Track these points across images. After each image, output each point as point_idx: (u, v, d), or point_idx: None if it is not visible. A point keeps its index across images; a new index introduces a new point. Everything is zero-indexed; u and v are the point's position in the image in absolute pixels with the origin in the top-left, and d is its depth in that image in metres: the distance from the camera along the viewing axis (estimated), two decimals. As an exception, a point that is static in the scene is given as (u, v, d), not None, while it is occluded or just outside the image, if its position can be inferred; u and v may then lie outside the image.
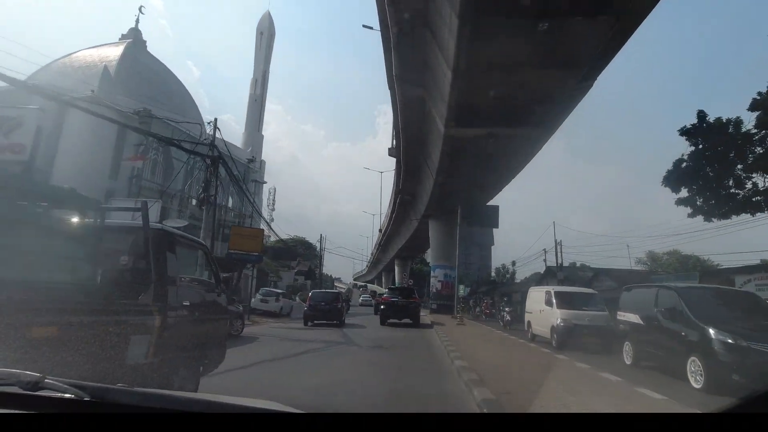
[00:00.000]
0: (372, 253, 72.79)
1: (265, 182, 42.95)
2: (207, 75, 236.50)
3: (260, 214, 28.04)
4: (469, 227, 30.32)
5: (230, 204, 36.87)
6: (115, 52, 34.42)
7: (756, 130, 12.33)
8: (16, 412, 1.09)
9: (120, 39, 37.32)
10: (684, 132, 12.96)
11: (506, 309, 19.84)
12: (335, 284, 70.94)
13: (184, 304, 4.30)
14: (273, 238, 45.81)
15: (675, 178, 13.42)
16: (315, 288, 35.65)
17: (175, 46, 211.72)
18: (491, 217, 30.34)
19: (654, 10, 11.92)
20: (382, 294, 32.68)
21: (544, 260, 35.03)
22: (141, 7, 42.38)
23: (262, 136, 48.32)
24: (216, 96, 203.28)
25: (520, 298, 30.84)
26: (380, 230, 56.13)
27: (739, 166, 12.68)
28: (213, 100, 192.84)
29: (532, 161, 24.39)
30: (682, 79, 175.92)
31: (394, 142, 27.83)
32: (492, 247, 76.30)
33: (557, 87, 14.39)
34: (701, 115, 12.79)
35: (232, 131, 46.16)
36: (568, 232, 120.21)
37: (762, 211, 13.01)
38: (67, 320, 2.90)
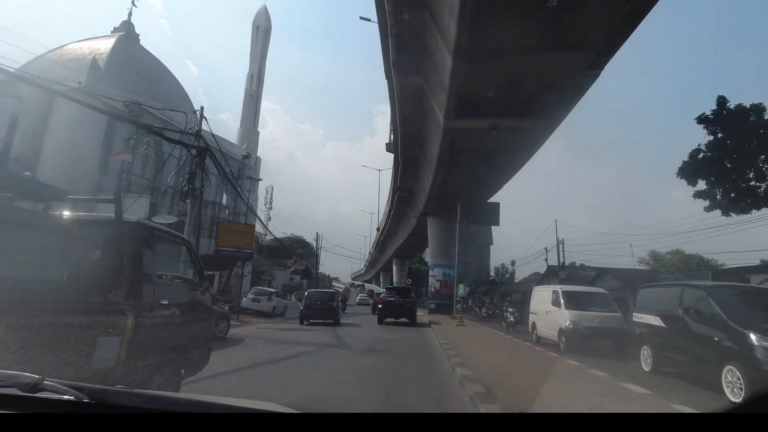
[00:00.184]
0: (370, 253, 72.10)
1: (261, 179, 41.93)
2: (206, 74, 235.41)
3: (252, 211, 27.04)
4: (469, 225, 29.41)
5: (224, 201, 36.01)
6: (106, 45, 33.71)
7: None
8: (15, 413, 1.09)
9: (112, 32, 36.53)
10: (702, 120, 12.02)
11: (509, 309, 18.92)
12: (333, 284, 70.33)
13: (162, 303, 4.02)
14: (270, 237, 45.17)
15: (691, 169, 12.48)
16: (311, 287, 35.87)
17: (174, 45, 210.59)
18: (492, 215, 29.37)
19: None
20: (380, 294, 32.95)
21: (546, 259, 34.29)
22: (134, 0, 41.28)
23: (258, 133, 47.35)
24: (215, 95, 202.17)
25: (520, 298, 30.17)
26: (378, 229, 55.40)
27: (761, 157, 11.75)
28: (212, 100, 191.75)
29: (531, 160, 23.83)
30: (682, 78, 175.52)
31: (392, 137, 26.93)
32: (491, 246, 75.66)
33: (565, 73, 13.50)
34: (721, 101, 11.87)
35: (232, 131, 45.18)
36: (566, 232, 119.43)
37: None
38: (18, 320, 2.66)
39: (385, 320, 19.09)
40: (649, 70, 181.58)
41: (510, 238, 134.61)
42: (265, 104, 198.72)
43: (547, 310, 12.71)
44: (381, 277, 77.65)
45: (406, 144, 24.61)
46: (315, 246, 48.65)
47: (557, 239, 31.28)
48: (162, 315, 4.01)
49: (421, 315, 26.74)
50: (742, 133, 11.65)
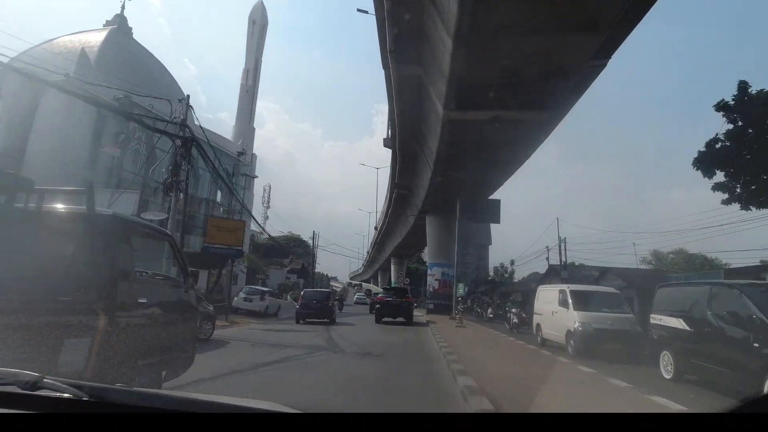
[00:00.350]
0: (368, 252, 71.35)
1: (257, 176, 41.00)
2: (204, 73, 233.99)
3: (245, 207, 26.17)
4: (469, 222, 28.55)
5: (218, 198, 35.20)
6: (97, 38, 32.90)
7: None
8: (15, 411, 1.09)
9: (104, 25, 35.68)
10: (721, 106, 11.15)
11: (513, 310, 18.04)
12: (331, 283, 69.81)
13: (140, 301, 3.80)
14: (267, 235, 44.34)
15: (708, 160, 11.60)
16: (308, 287, 35.64)
17: (173, 43, 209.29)
18: (492, 212, 28.51)
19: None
20: (378, 293, 32.91)
21: (547, 258, 33.53)
22: (127, -8, 40.51)
23: (254, 129, 46.44)
24: (214, 94, 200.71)
25: (521, 297, 29.40)
26: (376, 228, 54.67)
27: None
28: (210, 98, 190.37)
29: (529, 158, 23.25)
30: (681, 76, 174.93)
31: (390, 132, 26.09)
32: (489, 246, 75.22)
33: (573, 57, 12.66)
34: (742, 85, 11.01)
35: (230, 129, 44.09)
36: (565, 231, 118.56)
37: None
38: None
39: (383, 319, 19.46)
40: (649, 69, 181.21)
41: (507, 237, 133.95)
42: (263, 103, 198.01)
43: (554, 310, 11.90)
44: (379, 277, 76.91)
45: (404, 138, 23.76)
46: (312, 245, 47.89)
47: (559, 238, 30.51)
48: (140, 314, 3.80)
49: (420, 315, 26.05)
50: (765, 121, 10.80)
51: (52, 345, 2.90)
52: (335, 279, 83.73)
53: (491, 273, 59.25)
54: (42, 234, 3.47)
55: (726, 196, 11.62)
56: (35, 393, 1.14)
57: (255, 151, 44.57)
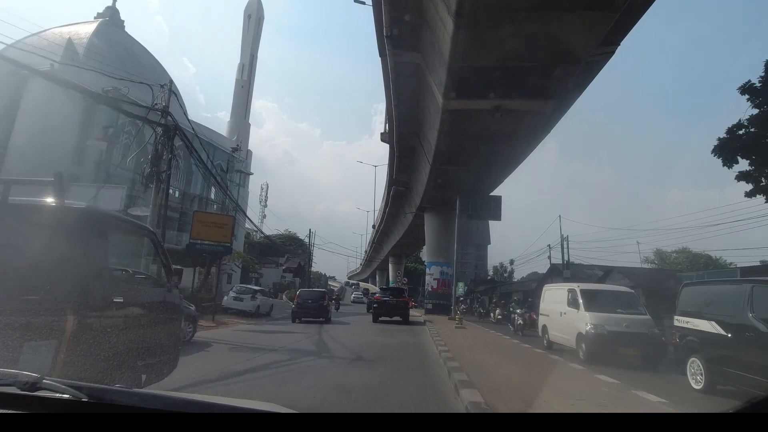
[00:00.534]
0: (366, 251, 70.47)
1: (252, 173, 40.02)
2: (203, 72, 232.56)
3: (234, 202, 25.22)
4: (468, 219, 27.59)
5: (212, 195, 34.31)
6: (87, 30, 31.96)
7: None
8: (15, 412, 1.08)
9: (95, 17, 34.68)
10: (747, 89, 10.24)
11: (518, 311, 17.13)
12: (329, 283, 69.14)
13: (116, 301, 3.60)
14: (262, 234, 43.40)
15: (730, 147, 10.68)
16: (304, 286, 35.30)
17: (171, 42, 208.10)
18: (493, 209, 27.50)
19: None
20: (375, 293, 32.88)
21: (549, 257, 32.68)
22: (119, -16, 39.49)
23: (249, 125, 45.31)
24: (212, 93, 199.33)
25: (522, 297, 28.54)
26: (374, 226, 53.83)
27: None
28: (209, 97, 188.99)
29: (528, 157, 22.64)
30: (682, 76, 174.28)
31: (387, 126, 25.16)
32: (488, 246, 74.32)
33: (582, 39, 11.75)
34: (770, 66, 10.13)
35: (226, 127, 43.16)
36: (566, 229, 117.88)
37: None
38: None
39: (380, 318, 19.79)
40: (648, 69, 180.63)
41: (505, 237, 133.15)
42: (262, 102, 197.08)
43: (562, 311, 11.00)
44: (377, 276, 76.05)
45: (402, 131, 22.84)
46: (308, 243, 47.03)
47: (561, 236, 29.66)
48: (115, 315, 3.59)
49: (418, 315, 25.21)
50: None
51: (11, 348, 2.70)
52: (333, 278, 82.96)
53: (490, 273, 58.52)
54: (7, 228, 3.24)
55: (751, 186, 10.70)
56: (34, 394, 1.14)
57: (252, 149, 43.73)
